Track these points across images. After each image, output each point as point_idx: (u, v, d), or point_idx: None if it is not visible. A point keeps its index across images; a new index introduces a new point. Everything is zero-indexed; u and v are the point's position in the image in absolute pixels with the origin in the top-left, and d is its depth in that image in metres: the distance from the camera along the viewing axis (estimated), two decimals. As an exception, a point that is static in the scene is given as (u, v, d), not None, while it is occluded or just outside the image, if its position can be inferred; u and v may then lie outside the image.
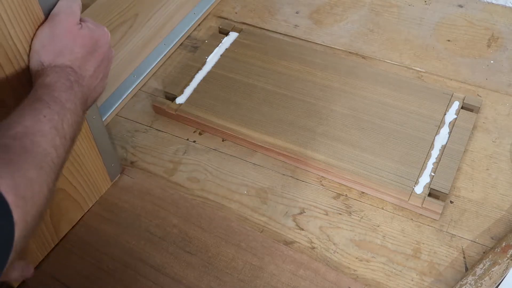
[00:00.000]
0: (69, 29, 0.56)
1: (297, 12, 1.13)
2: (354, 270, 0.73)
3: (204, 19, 1.12)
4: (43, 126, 0.48)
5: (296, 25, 1.10)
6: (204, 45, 1.03)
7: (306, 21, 1.10)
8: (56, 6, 0.57)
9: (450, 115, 0.87)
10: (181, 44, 1.08)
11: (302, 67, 0.97)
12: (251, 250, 0.74)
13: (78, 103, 0.54)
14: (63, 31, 0.56)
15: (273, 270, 0.72)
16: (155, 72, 1.03)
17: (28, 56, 0.57)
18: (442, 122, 0.86)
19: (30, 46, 0.57)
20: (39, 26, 0.57)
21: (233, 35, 1.04)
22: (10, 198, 0.41)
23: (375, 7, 1.12)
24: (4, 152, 0.44)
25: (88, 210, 0.80)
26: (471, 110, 0.88)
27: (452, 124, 0.86)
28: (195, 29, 1.11)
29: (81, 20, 0.58)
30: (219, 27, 1.07)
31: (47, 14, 0.57)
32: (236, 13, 1.13)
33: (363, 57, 1.02)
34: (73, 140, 0.54)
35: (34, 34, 0.57)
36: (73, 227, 0.78)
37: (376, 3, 1.12)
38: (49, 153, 0.48)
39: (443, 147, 0.83)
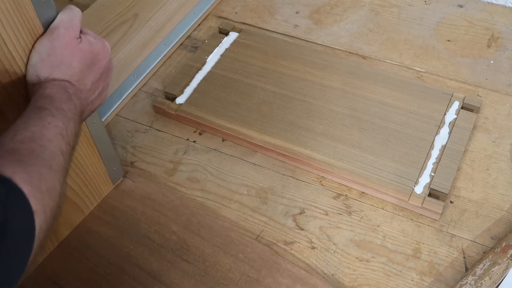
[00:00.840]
0: (68, 43, 0.56)
1: (297, 12, 1.13)
2: (354, 270, 0.73)
3: (204, 19, 1.12)
4: (49, 132, 0.49)
5: (296, 25, 1.10)
6: (204, 45, 1.03)
7: (306, 21, 1.10)
8: (56, 19, 0.57)
9: (450, 115, 0.87)
10: (181, 44, 1.08)
11: (302, 67, 0.97)
12: (249, 261, 0.73)
13: (77, 114, 0.55)
14: (62, 45, 0.55)
15: (270, 284, 0.71)
16: (155, 72, 1.03)
17: (26, 68, 0.57)
18: (442, 122, 0.86)
19: (28, 59, 0.56)
20: (37, 39, 0.56)
21: (233, 35, 1.04)
22: (25, 189, 0.42)
23: (375, 7, 1.12)
24: (14, 154, 0.45)
25: (89, 213, 0.80)
26: (471, 110, 0.88)
27: (452, 124, 0.86)
28: (195, 29, 1.10)
29: (82, 32, 0.58)
30: (219, 27, 1.07)
31: (46, 27, 0.57)
32: (236, 13, 1.13)
33: (363, 57, 1.02)
34: (74, 149, 0.54)
35: (33, 47, 0.56)
36: (73, 229, 0.78)
37: (376, 3, 1.12)
38: (56, 156, 0.49)
39: (443, 147, 0.83)
